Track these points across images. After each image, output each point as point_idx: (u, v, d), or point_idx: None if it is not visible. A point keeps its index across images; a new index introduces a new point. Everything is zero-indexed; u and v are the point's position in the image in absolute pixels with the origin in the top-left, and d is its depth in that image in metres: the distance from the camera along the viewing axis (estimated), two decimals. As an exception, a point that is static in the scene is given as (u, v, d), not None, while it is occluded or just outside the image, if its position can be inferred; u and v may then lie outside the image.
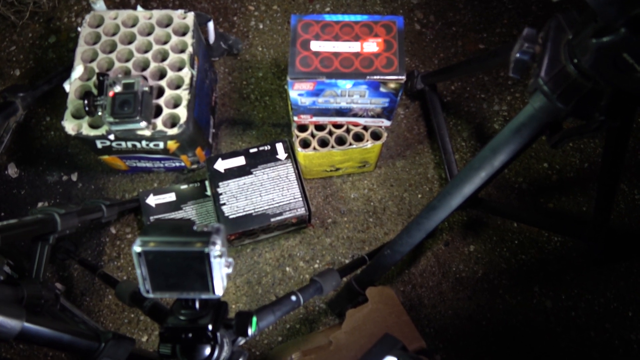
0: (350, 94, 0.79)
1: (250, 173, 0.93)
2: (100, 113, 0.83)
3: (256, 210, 0.90)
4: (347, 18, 0.78)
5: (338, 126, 0.91)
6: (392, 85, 0.76)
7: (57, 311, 0.66)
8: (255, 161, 0.94)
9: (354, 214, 1.02)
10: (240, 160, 0.94)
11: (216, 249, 0.48)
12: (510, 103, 1.10)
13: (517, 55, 0.47)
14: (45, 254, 0.67)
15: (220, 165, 0.93)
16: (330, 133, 0.91)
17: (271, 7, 1.20)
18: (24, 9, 1.16)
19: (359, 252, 0.99)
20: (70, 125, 0.86)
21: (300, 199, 0.92)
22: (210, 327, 0.54)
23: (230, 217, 0.90)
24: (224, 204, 0.90)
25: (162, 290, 0.51)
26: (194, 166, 1.02)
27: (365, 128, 0.91)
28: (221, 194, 0.91)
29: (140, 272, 0.50)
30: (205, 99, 1.00)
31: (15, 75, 1.13)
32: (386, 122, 0.89)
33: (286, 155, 0.94)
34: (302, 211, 0.91)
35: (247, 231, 0.91)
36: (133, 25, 0.93)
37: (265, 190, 0.92)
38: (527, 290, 0.96)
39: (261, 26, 1.18)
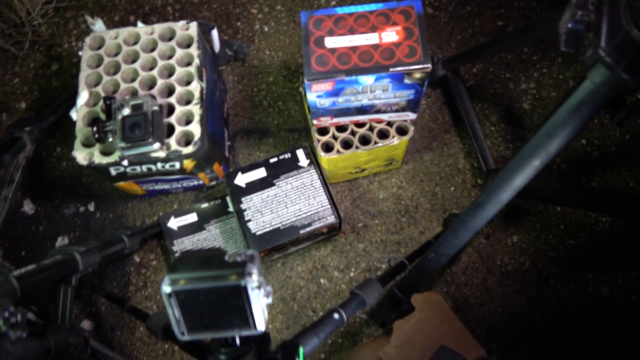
0: (372, 89, 0.73)
1: (273, 184, 0.88)
2: (110, 139, 0.79)
3: (283, 223, 0.85)
4: (360, 8, 0.72)
5: (360, 125, 0.85)
6: (418, 76, 0.70)
7: (87, 357, 0.62)
8: (277, 171, 0.89)
9: (385, 215, 0.97)
10: (261, 172, 0.89)
11: (253, 280, 0.43)
12: (538, 80, 1.03)
13: (569, 25, 0.41)
14: (70, 297, 0.63)
15: (241, 179, 0.88)
16: (353, 133, 0.86)
17: (274, 8, 1.15)
18: (23, 39, 1.13)
19: (395, 255, 0.93)
20: (81, 155, 0.82)
21: (329, 206, 0.86)
22: (253, 366, 0.49)
23: (258, 233, 0.85)
24: (249, 220, 0.86)
25: (199, 330, 0.46)
26: (213, 183, 0.98)
27: (390, 124, 0.85)
28: (245, 210, 0.86)
29: (173, 313, 0.45)
30: (218, 112, 0.96)
31: (21, 108, 1.10)
32: (412, 115, 0.83)
33: (308, 161, 0.89)
34: (332, 219, 0.85)
35: (277, 246, 0.86)
36: (135, 43, 0.89)
37: (290, 201, 0.87)
38: (580, 278, 0.89)
39: (266, 29, 1.13)
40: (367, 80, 0.70)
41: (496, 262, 0.92)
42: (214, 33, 0.97)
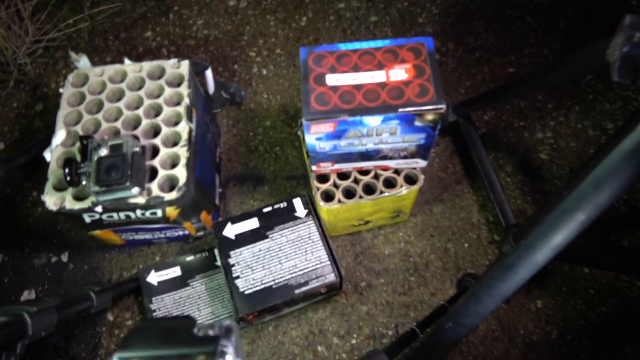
0: (378, 132, 0.65)
1: (266, 237, 0.78)
2: (84, 182, 0.70)
3: (276, 281, 0.75)
4: (365, 45, 0.66)
5: (364, 172, 0.77)
6: (430, 117, 0.62)
7: None
8: (271, 222, 0.79)
9: (391, 274, 0.86)
10: (253, 223, 0.79)
11: None
12: (555, 129, 0.96)
13: (625, 49, 0.34)
14: (13, 369, 0.52)
15: (230, 230, 0.79)
16: (357, 181, 0.77)
17: (274, 52, 1.10)
18: (7, 78, 1.07)
19: (404, 320, 0.82)
20: (51, 200, 0.73)
21: (328, 262, 0.76)
22: None
23: (247, 292, 0.74)
24: (238, 277, 0.75)
25: None
26: (200, 233, 0.88)
27: (397, 172, 0.77)
28: (233, 265, 0.76)
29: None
30: (208, 156, 0.88)
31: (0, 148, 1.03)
32: (422, 163, 0.75)
33: (306, 211, 0.80)
34: (331, 278, 0.75)
35: (268, 308, 0.75)
36: (121, 81, 0.83)
37: (285, 255, 0.77)
38: (616, 352, 0.78)
39: (265, 72, 1.07)
40: (373, 121, 0.62)
41: (519, 330, 0.80)
42: (208, 73, 0.91)
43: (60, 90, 0.81)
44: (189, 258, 0.88)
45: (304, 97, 0.63)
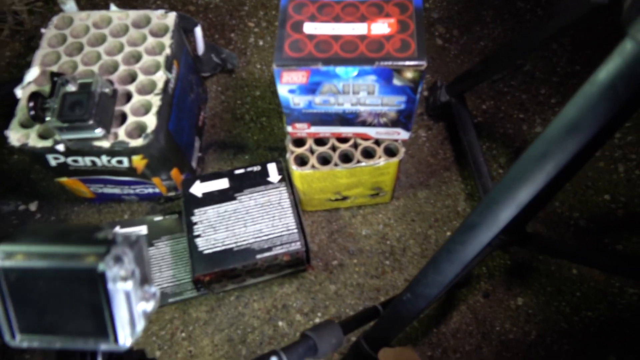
0: (355, 89, 0.61)
1: (234, 198, 0.74)
2: (48, 118, 0.67)
3: (238, 244, 0.71)
4: (351, -4, 0.62)
5: (343, 140, 0.73)
6: (410, 75, 0.58)
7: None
8: (241, 184, 0.76)
9: (365, 255, 0.81)
10: (222, 183, 0.76)
11: (119, 268, 0.29)
12: (556, 123, 0.91)
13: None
14: None
15: (198, 188, 0.75)
16: (334, 149, 0.73)
17: (273, 24, 1.07)
18: (2, 27, 1.06)
19: (373, 303, 0.77)
20: (15, 136, 0.71)
21: (296, 230, 0.72)
22: (116, 401, 0.33)
23: (205, 252, 0.70)
24: (199, 235, 0.71)
25: (35, 332, 0.32)
26: (172, 193, 0.85)
27: (378, 143, 0.73)
28: (196, 223, 0.72)
29: (1, 303, 0.31)
30: (188, 115, 0.85)
31: (-15, 95, 1.01)
32: (403, 134, 0.70)
33: (280, 177, 0.76)
34: (296, 246, 0.71)
35: (228, 271, 0.71)
36: (106, 27, 0.80)
37: (251, 219, 0.73)
38: (598, 360, 0.71)
39: (261, 43, 1.04)
40: (349, 73, 0.58)
41: (495, 327, 0.75)
42: (198, 31, 0.88)
43: (42, 30, 0.79)
44: (158, 218, 0.84)
45: (278, 43, 0.59)
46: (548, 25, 0.54)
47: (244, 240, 0.71)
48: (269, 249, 0.71)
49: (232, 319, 0.77)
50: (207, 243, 0.71)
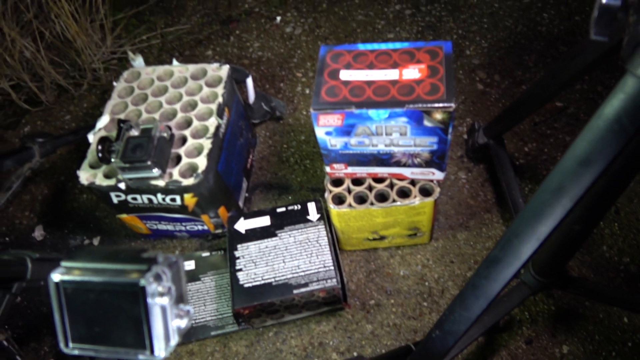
0: (387, 131, 0.65)
1: (275, 235, 0.78)
2: (113, 159, 0.75)
3: (277, 279, 0.74)
4: (384, 46, 0.67)
5: (379, 181, 0.76)
6: (439, 117, 0.61)
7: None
8: (282, 222, 0.79)
9: (403, 296, 0.81)
10: (264, 221, 0.80)
11: (158, 285, 0.33)
12: (603, 166, 0.89)
13: (603, 1, 0.32)
14: (4, 306, 0.55)
15: (242, 225, 0.80)
16: (370, 188, 0.76)
17: (320, 74, 1.14)
18: (82, 82, 1.20)
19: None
20: (85, 175, 0.80)
21: (332, 267, 0.74)
22: (148, 408, 0.37)
23: (245, 285, 0.74)
24: (240, 269, 0.75)
25: (85, 341, 0.36)
26: (219, 231, 0.90)
27: (413, 183, 0.75)
28: (238, 257, 0.76)
29: (59, 313, 0.35)
30: (236, 157, 0.91)
31: (64, 141, 1.14)
32: (438, 174, 0.72)
33: (319, 216, 0.80)
34: (332, 283, 0.73)
35: (268, 307, 0.74)
36: (168, 80, 0.90)
37: (290, 255, 0.76)
38: (656, 418, 0.66)
39: (307, 91, 1.11)
40: (381, 116, 0.62)
41: (538, 375, 0.71)
42: (249, 82, 0.96)
43: (114, 83, 0.90)
44: (205, 254, 0.90)
45: (316, 89, 0.64)
46: (571, 63, 0.56)
47: (282, 276, 0.74)
48: (306, 284, 0.73)
49: (270, 355, 0.79)
50: (247, 277, 0.74)
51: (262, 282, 0.74)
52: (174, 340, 0.34)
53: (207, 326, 0.82)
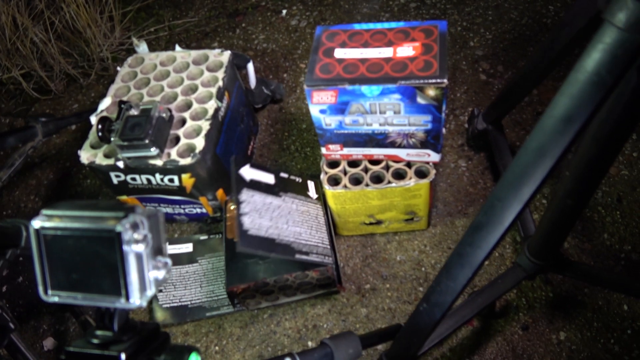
0: (381, 108, 0.65)
1: (279, 196, 0.77)
2: (113, 138, 0.77)
3: (281, 237, 0.71)
4: (379, 25, 0.67)
5: (375, 162, 0.76)
6: (432, 93, 0.61)
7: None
8: (285, 186, 0.79)
9: (399, 281, 0.81)
10: (269, 178, 0.78)
11: (135, 232, 0.34)
12: (606, 155, 0.87)
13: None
14: (-2, 270, 0.56)
15: (247, 172, 0.77)
16: (366, 170, 0.76)
17: (323, 65, 1.15)
18: (91, 72, 1.23)
19: (403, 328, 0.76)
20: (85, 155, 0.81)
21: (328, 247, 0.74)
22: (123, 357, 0.37)
23: (250, 232, 0.69)
24: (245, 213, 0.71)
25: (64, 289, 0.36)
26: (217, 215, 0.91)
27: (409, 165, 0.75)
28: (243, 201, 0.72)
29: (39, 260, 0.36)
30: (237, 143, 0.92)
31: (71, 129, 1.16)
32: (434, 156, 0.72)
33: (317, 195, 0.80)
34: (329, 260, 0.73)
35: (262, 287, 0.74)
36: (170, 65, 0.91)
37: (292, 220, 0.75)
38: (654, 406, 0.64)
39: (310, 81, 1.12)
40: (373, 92, 0.62)
41: (533, 361, 0.70)
42: (250, 67, 0.97)
43: (118, 68, 0.92)
44: (203, 237, 0.90)
45: (310, 67, 0.65)
46: (560, 35, 0.55)
47: (286, 236, 0.72)
48: (307, 253, 0.72)
49: (264, 336, 0.79)
50: (252, 225, 0.70)
51: (267, 234, 0.70)
52: (151, 290, 0.34)
53: (203, 307, 0.82)
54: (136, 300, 0.34)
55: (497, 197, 0.42)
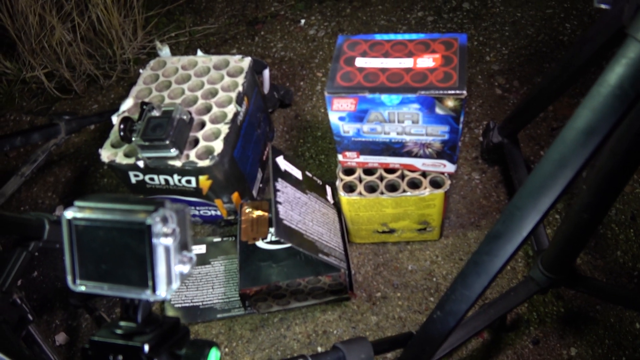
0: (400, 118, 0.66)
1: (305, 193, 0.78)
2: (134, 138, 0.78)
3: (308, 234, 0.73)
4: (400, 37, 0.69)
5: (391, 171, 0.77)
6: (451, 104, 0.62)
7: (13, 337, 0.54)
8: (310, 186, 0.80)
9: (410, 290, 0.81)
10: (298, 173, 0.80)
11: (164, 225, 0.34)
12: (621, 173, 0.88)
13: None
14: (20, 262, 0.57)
15: (282, 162, 0.78)
16: (381, 179, 0.76)
17: (340, 74, 1.16)
18: (112, 74, 1.25)
19: (413, 338, 0.76)
20: (106, 154, 0.83)
21: (342, 252, 0.75)
22: (146, 348, 0.38)
23: (285, 222, 0.71)
24: (281, 202, 0.72)
25: (92, 279, 0.37)
26: (231, 217, 0.92)
27: (425, 175, 0.75)
28: (278, 190, 0.74)
29: (70, 250, 0.37)
30: (253, 147, 0.93)
31: (89, 129, 1.18)
32: (449, 167, 0.73)
33: (333, 201, 0.81)
34: (342, 265, 0.73)
35: (274, 290, 0.75)
36: (192, 69, 0.93)
37: (316, 220, 0.76)
38: None
39: (327, 90, 1.13)
40: (393, 101, 0.63)
41: (544, 376, 0.70)
42: (266, 73, 0.99)
43: (140, 71, 0.94)
44: (216, 239, 0.91)
45: (331, 74, 0.66)
46: (582, 50, 0.56)
47: (311, 234, 0.73)
48: (327, 254, 0.73)
49: (274, 340, 0.79)
50: (286, 215, 0.72)
51: (296, 228, 0.71)
52: (176, 283, 0.35)
53: (214, 308, 0.83)
54: (162, 292, 0.34)
55: (516, 206, 0.43)
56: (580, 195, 0.52)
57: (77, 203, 0.36)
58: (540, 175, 0.41)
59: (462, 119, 0.64)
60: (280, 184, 0.74)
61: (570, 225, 0.57)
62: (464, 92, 0.60)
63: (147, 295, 0.35)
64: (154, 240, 0.34)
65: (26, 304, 0.60)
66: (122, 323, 0.38)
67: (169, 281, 0.35)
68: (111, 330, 0.38)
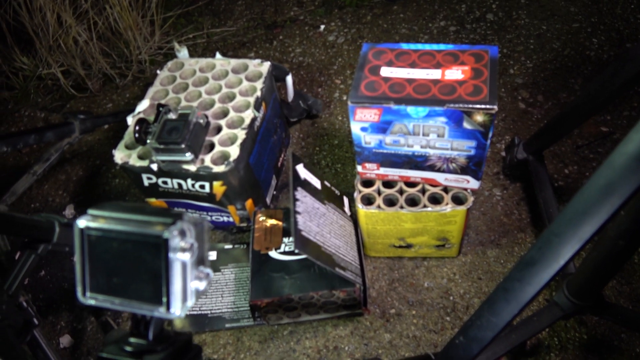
0: (425, 131, 0.63)
1: (324, 203, 0.76)
2: (149, 140, 0.77)
3: (325, 247, 0.70)
4: (428, 47, 0.66)
5: (411, 185, 0.74)
6: (479, 119, 0.59)
7: (15, 342, 0.52)
8: (328, 196, 0.78)
9: (425, 308, 0.78)
10: (316, 182, 0.78)
11: (181, 240, 0.32)
12: (649, 195, 0.84)
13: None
14: (28, 264, 0.56)
15: (302, 171, 0.77)
16: (401, 192, 0.74)
17: (358, 82, 1.14)
18: (128, 73, 1.24)
19: (428, 359, 0.73)
20: (120, 155, 0.81)
21: (358, 266, 0.72)
22: (157, 368, 0.36)
23: (303, 233, 0.68)
24: (300, 212, 0.70)
25: (103, 292, 0.35)
26: (243, 224, 0.90)
27: (446, 190, 0.73)
28: (298, 200, 0.71)
29: (81, 261, 0.35)
30: (269, 154, 0.91)
31: (103, 128, 1.17)
32: (473, 183, 0.70)
33: (350, 213, 0.78)
34: (358, 280, 0.71)
35: (286, 302, 0.72)
36: (210, 72, 0.91)
37: (334, 232, 0.74)
38: None
39: (345, 98, 1.11)
40: (419, 114, 0.61)
41: (565, 406, 0.67)
42: (289, 80, 0.97)
43: (158, 72, 0.92)
44: (228, 246, 0.89)
45: (355, 83, 0.64)
46: (623, 69, 0.53)
47: (329, 247, 0.71)
48: (344, 268, 0.70)
49: (283, 353, 0.77)
50: (304, 225, 0.69)
51: (314, 240, 0.68)
52: (191, 301, 0.33)
53: (223, 318, 0.81)
54: (177, 310, 0.32)
55: (554, 232, 0.40)
56: (616, 222, 0.49)
57: (91, 212, 0.35)
58: (582, 201, 0.38)
59: (490, 134, 0.61)
60: (300, 193, 0.71)
61: (602, 252, 0.54)
62: (495, 106, 0.58)
63: (160, 312, 0.33)
64: (171, 255, 0.32)
65: (32, 308, 0.58)
66: (132, 340, 0.36)
67: (184, 298, 0.33)
68: (120, 346, 0.36)
